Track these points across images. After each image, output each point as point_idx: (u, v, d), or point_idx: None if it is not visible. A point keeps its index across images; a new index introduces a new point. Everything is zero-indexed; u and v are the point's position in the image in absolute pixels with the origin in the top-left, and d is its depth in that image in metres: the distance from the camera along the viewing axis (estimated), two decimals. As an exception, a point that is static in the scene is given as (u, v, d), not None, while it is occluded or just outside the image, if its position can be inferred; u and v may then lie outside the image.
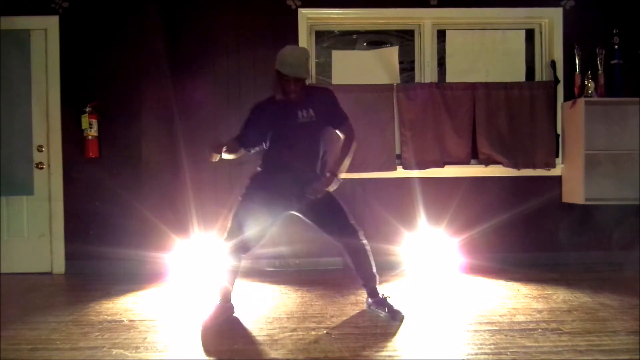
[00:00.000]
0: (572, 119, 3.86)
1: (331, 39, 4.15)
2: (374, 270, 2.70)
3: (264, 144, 2.69)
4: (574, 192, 3.85)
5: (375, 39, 4.16)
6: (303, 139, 2.61)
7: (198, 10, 3.91)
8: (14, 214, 3.88)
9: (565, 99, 3.98)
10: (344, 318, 2.66)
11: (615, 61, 3.91)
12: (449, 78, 4.07)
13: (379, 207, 3.92)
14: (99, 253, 3.76)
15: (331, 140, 2.70)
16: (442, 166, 3.93)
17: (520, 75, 4.08)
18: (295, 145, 2.60)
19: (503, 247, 3.98)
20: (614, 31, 3.91)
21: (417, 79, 4.06)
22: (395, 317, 2.57)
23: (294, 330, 2.49)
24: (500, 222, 3.94)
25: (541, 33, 4.11)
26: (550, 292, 3.13)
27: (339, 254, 3.82)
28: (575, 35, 3.97)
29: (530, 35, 4.14)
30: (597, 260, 3.94)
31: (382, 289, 2.77)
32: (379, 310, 2.66)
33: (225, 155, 2.60)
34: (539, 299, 3.00)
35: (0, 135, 3.82)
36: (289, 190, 2.59)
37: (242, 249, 2.60)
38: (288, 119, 2.60)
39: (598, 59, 3.89)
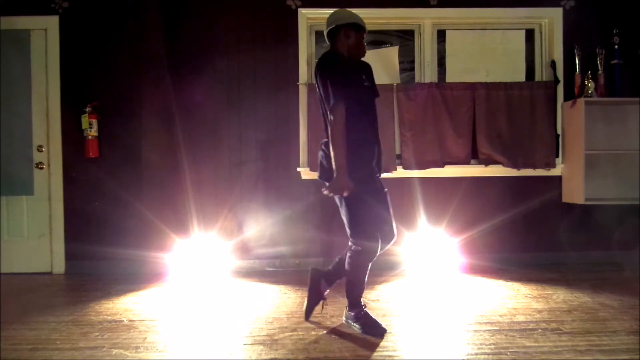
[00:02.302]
0: (572, 119, 3.86)
1: (331, 39, 4.14)
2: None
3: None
4: (574, 192, 3.85)
5: (375, 39, 4.16)
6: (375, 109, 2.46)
7: (198, 11, 3.91)
8: (14, 214, 3.88)
9: (565, 99, 3.99)
10: (344, 318, 2.66)
11: (615, 61, 3.91)
12: (449, 78, 4.07)
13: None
14: (99, 253, 3.77)
15: None
16: (442, 166, 3.93)
17: (520, 75, 4.09)
18: (376, 119, 2.44)
19: (503, 247, 3.98)
20: (614, 31, 3.92)
21: (417, 79, 4.06)
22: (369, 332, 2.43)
23: (294, 330, 2.49)
24: (500, 222, 3.94)
25: (541, 33, 4.11)
26: (550, 292, 3.13)
27: (338, 254, 3.83)
28: (575, 35, 3.97)
29: (530, 35, 4.13)
30: (597, 260, 3.94)
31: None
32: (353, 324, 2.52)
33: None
34: (539, 299, 3.00)
35: (0, 135, 3.82)
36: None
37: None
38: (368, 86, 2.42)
39: (598, 59, 3.89)
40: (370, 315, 2.48)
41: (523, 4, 3.98)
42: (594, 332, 2.41)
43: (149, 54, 3.81)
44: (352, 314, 2.49)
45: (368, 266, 2.44)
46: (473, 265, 3.83)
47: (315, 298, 2.63)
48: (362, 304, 2.50)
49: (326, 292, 2.65)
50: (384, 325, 2.43)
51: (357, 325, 2.46)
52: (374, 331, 2.40)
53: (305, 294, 2.71)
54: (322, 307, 2.66)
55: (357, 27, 2.46)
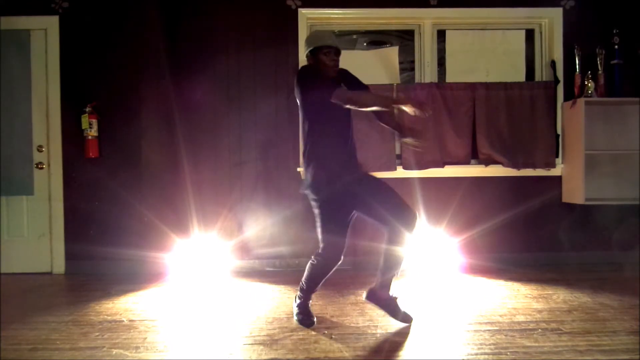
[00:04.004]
0: (572, 119, 3.86)
1: (331, 39, 4.14)
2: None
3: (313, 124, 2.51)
4: (574, 192, 3.85)
5: (375, 39, 4.16)
6: (349, 122, 2.60)
7: (198, 11, 3.91)
8: (14, 214, 3.88)
9: (565, 99, 3.98)
10: (344, 318, 2.66)
11: (615, 61, 3.91)
12: (449, 78, 4.07)
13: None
14: (99, 253, 3.76)
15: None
16: (442, 166, 3.93)
17: (520, 75, 4.09)
18: (348, 133, 2.56)
19: (503, 247, 3.98)
20: (614, 31, 3.91)
21: (417, 79, 4.06)
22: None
23: (294, 330, 2.49)
24: (500, 222, 3.94)
25: (541, 33, 4.11)
26: (550, 292, 3.13)
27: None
28: (575, 35, 3.97)
29: (530, 35, 4.13)
30: (597, 260, 3.94)
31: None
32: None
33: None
34: (539, 299, 3.00)
35: (0, 135, 3.82)
36: (353, 188, 2.48)
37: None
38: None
39: (598, 59, 3.89)
40: (309, 307, 2.63)
41: (523, 4, 3.98)
42: (594, 332, 2.41)
43: (149, 54, 3.81)
44: (300, 300, 2.63)
45: (326, 274, 2.55)
46: (473, 265, 3.83)
47: (388, 306, 2.57)
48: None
49: (390, 293, 2.56)
50: (314, 319, 2.57)
51: (296, 310, 2.63)
52: (305, 321, 2.55)
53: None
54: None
55: (330, 47, 2.57)
